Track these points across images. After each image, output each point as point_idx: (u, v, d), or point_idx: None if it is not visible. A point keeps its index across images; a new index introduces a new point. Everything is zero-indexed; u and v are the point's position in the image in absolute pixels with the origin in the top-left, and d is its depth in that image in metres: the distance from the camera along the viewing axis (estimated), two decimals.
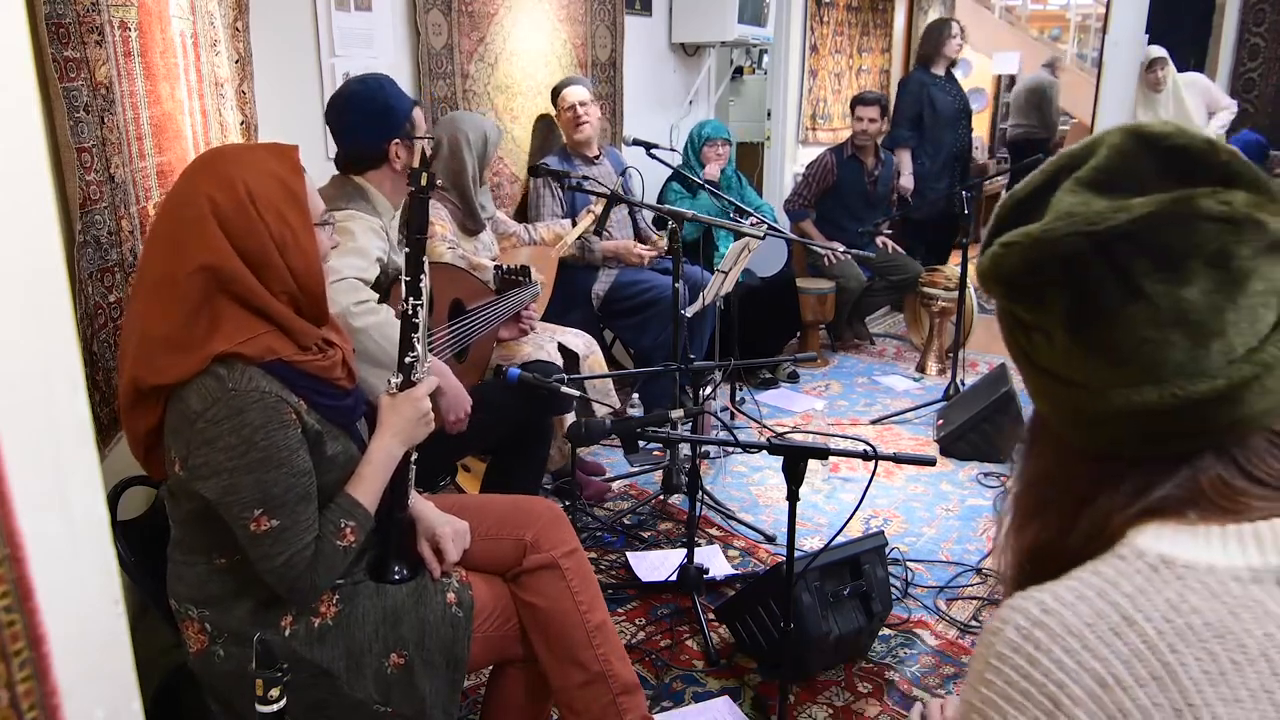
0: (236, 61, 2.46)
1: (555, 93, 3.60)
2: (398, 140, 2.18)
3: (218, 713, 1.45)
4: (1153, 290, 0.57)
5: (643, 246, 3.53)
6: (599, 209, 3.15)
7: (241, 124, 2.47)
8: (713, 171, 4.07)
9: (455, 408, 2.14)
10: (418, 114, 2.25)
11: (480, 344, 2.41)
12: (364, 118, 2.16)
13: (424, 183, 1.49)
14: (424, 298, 1.51)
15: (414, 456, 1.53)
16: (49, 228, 0.64)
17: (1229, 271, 0.57)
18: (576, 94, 3.52)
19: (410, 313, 1.50)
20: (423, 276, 1.50)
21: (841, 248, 4.34)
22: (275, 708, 1.06)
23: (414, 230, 1.50)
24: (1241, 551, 0.57)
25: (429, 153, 2.33)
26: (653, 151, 3.12)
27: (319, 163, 2.94)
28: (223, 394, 1.25)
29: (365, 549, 1.49)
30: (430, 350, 2.18)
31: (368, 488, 1.42)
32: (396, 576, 1.49)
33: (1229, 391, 0.57)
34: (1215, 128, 5.07)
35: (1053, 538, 0.65)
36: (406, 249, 1.50)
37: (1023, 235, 0.61)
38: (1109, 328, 0.59)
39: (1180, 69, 5.23)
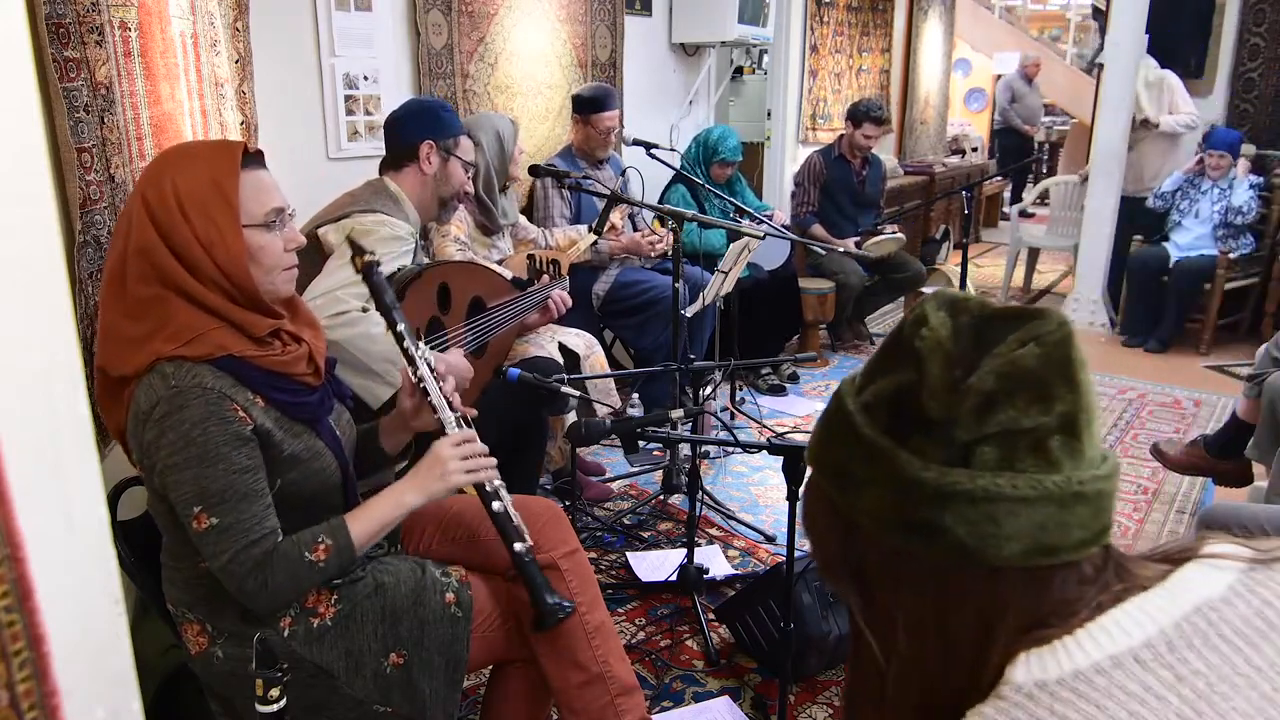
0: (236, 61, 2.46)
1: (589, 105, 3.47)
2: (431, 141, 2.25)
3: (218, 713, 1.45)
4: None
5: (651, 236, 3.54)
6: (618, 218, 3.16)
7: (241, 124, 2.47)
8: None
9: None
10: (466, 142, 2.36)
11: (500, 339, 2.41)
12: (409, 115, 2.32)
13: (367, 260, 1.52)
14: (422, 367, 1.54)
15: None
16: (49, 228, 0.64)
17: None
18: (614, 116, 3.50)
19: (417, 381, 1.54)
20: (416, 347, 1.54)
21: (852, 243, 4.36)
22: (275, 708, 1.07)
23: (384, 310, 1.53)
24: (1096, 646, 0.60)
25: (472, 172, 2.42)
26: (652, 152, 3.12)
27: (319, 163, 2.94)
28: (166, 391, 1.26)
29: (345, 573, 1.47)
30: (444, 348, 2.18)
31: (365, 516, 1.41)
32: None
33: None
34: (1170, 123, 5.15)
35: (938, 685, 0.65)
36: (389, 329, 1.53)
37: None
38: None
39: (1181, 69, 5.24)
